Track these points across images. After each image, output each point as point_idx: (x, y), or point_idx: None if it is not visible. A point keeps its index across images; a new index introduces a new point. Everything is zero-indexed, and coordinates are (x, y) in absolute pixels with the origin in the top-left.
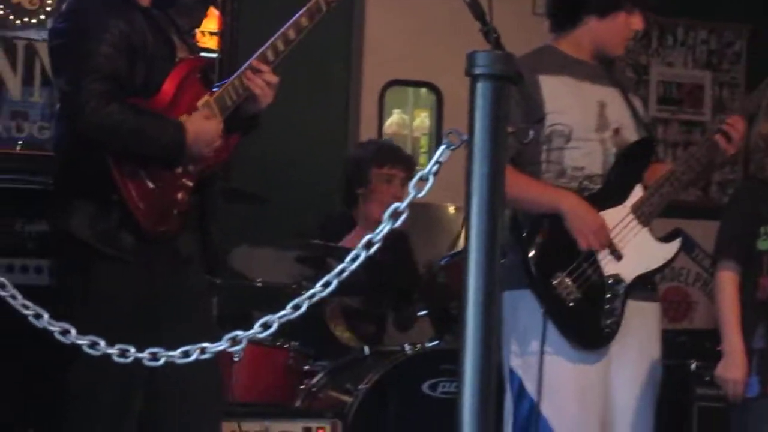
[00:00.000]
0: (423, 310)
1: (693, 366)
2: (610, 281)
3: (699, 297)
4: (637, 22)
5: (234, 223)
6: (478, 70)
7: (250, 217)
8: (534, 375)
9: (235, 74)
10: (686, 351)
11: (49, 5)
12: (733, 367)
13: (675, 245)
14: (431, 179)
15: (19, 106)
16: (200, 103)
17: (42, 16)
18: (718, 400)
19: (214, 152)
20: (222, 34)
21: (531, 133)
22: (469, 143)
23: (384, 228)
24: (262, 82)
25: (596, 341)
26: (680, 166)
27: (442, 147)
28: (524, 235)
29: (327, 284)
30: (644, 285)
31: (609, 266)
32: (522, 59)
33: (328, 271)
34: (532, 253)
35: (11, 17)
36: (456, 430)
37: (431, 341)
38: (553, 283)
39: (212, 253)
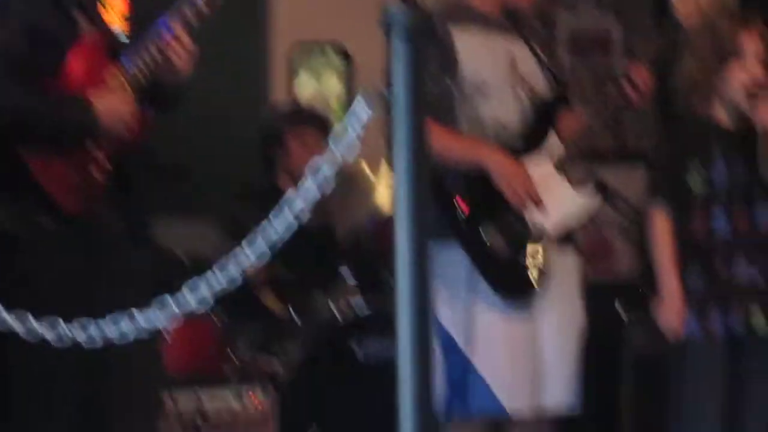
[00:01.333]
0: (349, 272)
1: (620, 313)
2: (533, 233)
3: (619, 244)
4: None
5: (156, 196)
6: (393, 24)
7: (171, 189)
8: (463, 328)
9: (143, 47)
10: (610, 299)
11: None
12: (670, 308)
13: (596, 194)
14: (355, 143)
15: None
16: (109, 78)
17: None
18: (648, 346)
19: (128, 127)
20: (128, 12)
21: (447, 82)
22: (390, 99)
23: (309, 188)
24: (180, 51)
25: (524, 293)
26: (591, 114)
27: (362, 104)
28: (450, 189)
29: (255, 249)
30: (566, 235)
31: (534, 218)
32: (433, 12)
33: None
34: (458, 207)
35: None
36: (396, 389)
37: (360, 303)
38: (482, 235)
39: (135, 229)
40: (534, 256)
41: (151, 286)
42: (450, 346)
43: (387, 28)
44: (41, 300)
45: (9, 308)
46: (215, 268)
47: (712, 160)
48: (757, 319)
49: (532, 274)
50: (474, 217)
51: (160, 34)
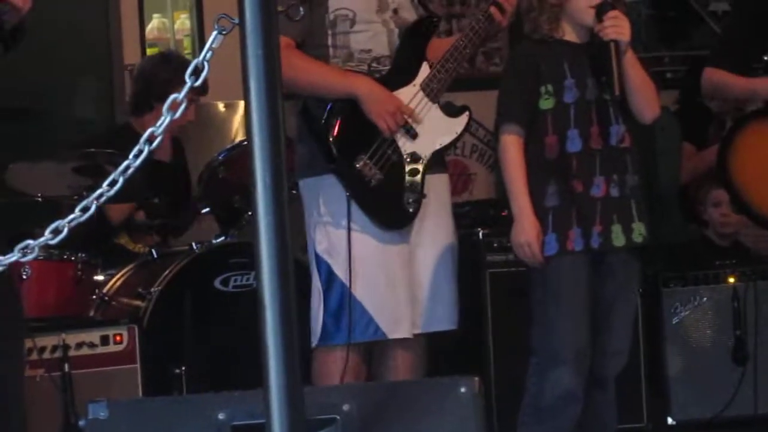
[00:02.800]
0: (206, 207)
1: (480, 234)
2: (408, 160)
3: (477, 168)
4: None
5: (6, 140)
6: None
7: (22, 132)
8: (343, 259)
9: None
10: (471, 221)
11: None
12: (525, 229)
13: (463, 119)
14: (206, 66)
15: None
16: None
17: None
18: (508, 264)
19: None
20: None
21: (301, 10)
22: (240, 26)
23: (165, 120)
24: None
25: (401, 220)
26: (461, 40)
27: (214, 33)
28: (323, 121)
29: (113, 183)
30: (437, 160)
31: (406, 145)
32: None
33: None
34: (332, 138)
35: None
36: (258, 320)
37: (218, 237)
38: (357, 166)
39: None
40: (409, 182)
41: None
42: (329, 275)
43: None
44: None
45: None
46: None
47: (561, 79)
48: (617, 236)
49: (408, 201)
50: (348, 148)
51: None
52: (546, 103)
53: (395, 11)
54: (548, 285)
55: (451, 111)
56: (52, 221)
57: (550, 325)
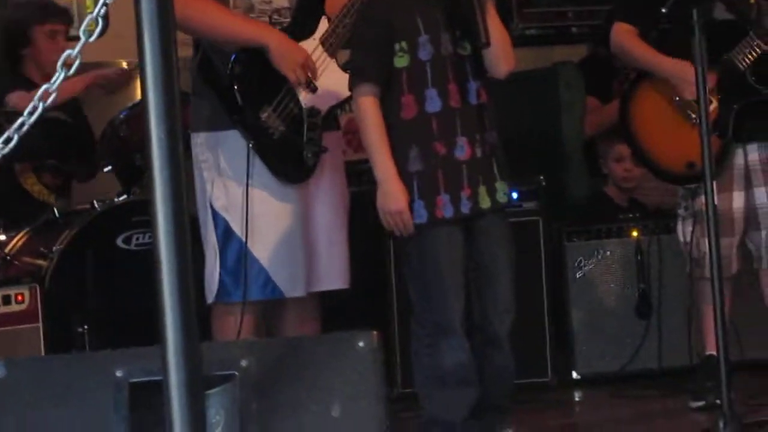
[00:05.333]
0: (107, 165)
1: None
2: (307, 114)
3: None
4: None
5: None
6: None
7: None
8: (240, 215)
9: None
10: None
11: None
12: (393, 197)
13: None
14: (100, 22)
15: None
16: None
17: None
18: None
19: None
20: None
21: None
22: None
23: (59, 77)
24: None
25: (301, 174)
26: None
27: None
28: (227, 71)
29: (8, 140)
30: (330, 117)
31: (307, 98)
32: None
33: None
34: (237, 88)
35: None
36: (155, 277)
37: (120, 195)
38: (262, 117)
39: None
40: (309, 136)
41: None
42: (226, 232)
43: None
44: None
45: None
46: None
47: (415, 35)
48: (483, 198)
49: (307, 155)
50: (253, 99)
51: None
52: (401, 61)
53: None
54: (425, 257)
55: (347, 67)
56: None
57: (436, 299)
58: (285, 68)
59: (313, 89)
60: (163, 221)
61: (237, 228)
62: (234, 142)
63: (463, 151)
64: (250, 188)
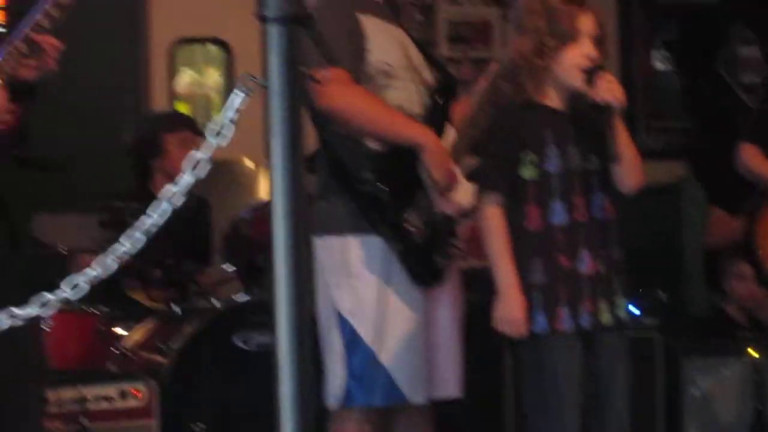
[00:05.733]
0: (229, 265)
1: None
2: (441, 218)
3: None
4: None
5: (33, 191)
6: (269, 13)
7: (49, 184)
8: (369, 321)
9: (11, 40)
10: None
11: None
12: (512, 307)
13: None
14: (230, 127)
15: None
16: None
17: None
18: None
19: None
20: (8, 8)
21: (357, 66)
22: (265, 87)
23: (187, 179)
24: (46, 44)
25: (434, 278)
26: (476, 106)
27: (239, 93)
28: (371, 172)
29: (133, 240)
30: (455, 221)
31: (440, 203)
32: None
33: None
34: (380, 190)
35: None
36: (275, 379)
37: (240, 295)
38: (403, 220)
39: (7, 224)
40: (441, 240)
41: (22, 281)
42: (352, 336)
43: (262, 14)
44: None
45: None
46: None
47: (544, 147)
48: (603, 313)
49: (439, 259)
50: (394, 201)
51: (26, 27)
52: (528, 172)
53: (418, 70)
54: (543, 368)
55: (474, 175)
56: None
57: (551, 411)
58: (435, 169)
59: (449, 195)
60: (285, 324)
61: (364, 332)
62: (368, 244)
63: (586, 264)
64: (385, 294)
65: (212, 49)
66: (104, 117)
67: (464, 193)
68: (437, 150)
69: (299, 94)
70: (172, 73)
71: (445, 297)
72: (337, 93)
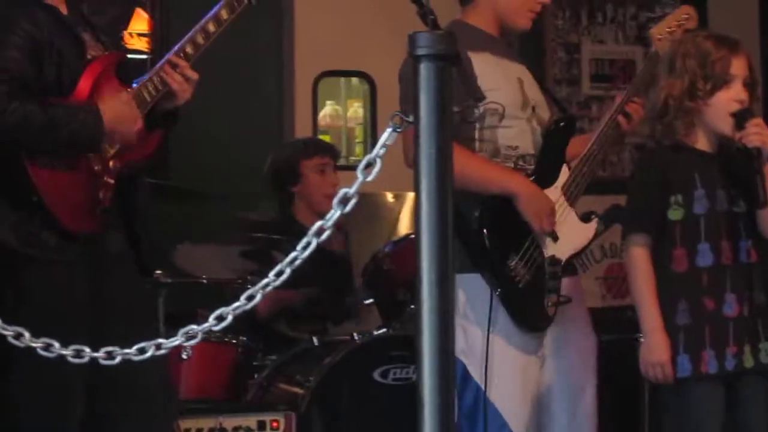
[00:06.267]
0: (369, 298)
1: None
2: (549, 262)
3: None
4: None
5: (175, 220)
6: (420, 51)
7: (190, 214)
8: (479, 361)
9: (153, 70)
10: (633, 325)
11: None
12: (657, 349)
13: (593, 225)
14: (378, 162)
15: None
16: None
17: None
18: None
19: (134, 141)
20: (152, 35)
21: (477, 111)
22: (415, 125)
23: (335, 214)
24: (179, 77)
25: (541, 322)
26: (595, 145)
27: (389, 129)
28: (477, 217)
29: (280, 273)
30: (570, 264)
31: (548, 248)
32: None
33: (273, 264)
34: (486, 236)
35: None
36: (418, 415)
37: (380, 329)
38: (509, 265)
39: (143, 253)
40: (550, 285)
41: (169, 311)
42: (464, 375)
43: (414, 52)
44: (50, 320)
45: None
46: (235, 294)
47: (691, 189)
48: (747, 357)
49: (548, 304)
50: (500, 246)
51: (170, 55)
52: (675, 214)
53: (533, 109)
54: (686, 412)
55: (583, 216)
56: (217, 302)
57: None
58: (531, 216)
59: (554, 238)
60: (429, 359)
61: (475, 372)
62: (476, 286)
63: (731, 308)
64: (491, 334)
65: (355, 82)
66: (249, 148)
67: (576, 233)
68: (531, 198)
69: (448, 131)
70: (315, 105)
71: (565, 340)
72: None
